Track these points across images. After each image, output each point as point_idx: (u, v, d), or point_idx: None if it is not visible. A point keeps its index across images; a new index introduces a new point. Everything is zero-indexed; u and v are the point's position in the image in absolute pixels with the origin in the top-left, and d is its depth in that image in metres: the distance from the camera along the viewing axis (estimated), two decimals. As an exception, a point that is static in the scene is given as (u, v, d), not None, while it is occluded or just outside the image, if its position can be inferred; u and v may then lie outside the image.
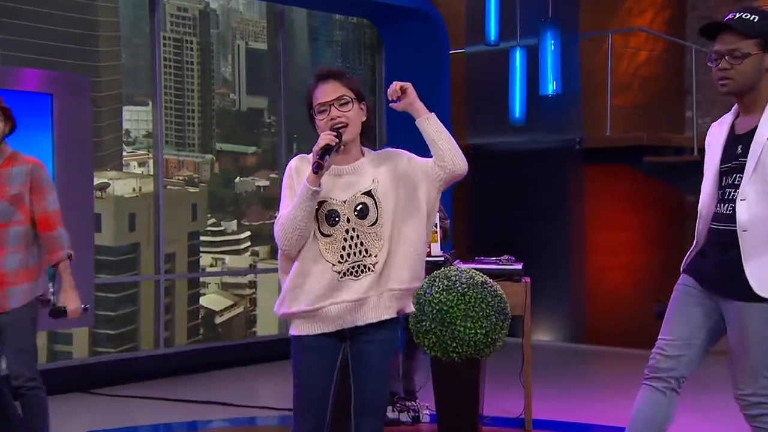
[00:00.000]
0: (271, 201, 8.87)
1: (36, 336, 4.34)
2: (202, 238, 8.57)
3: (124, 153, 8.03)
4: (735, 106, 3.46)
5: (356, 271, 3.17)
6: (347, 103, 3.23)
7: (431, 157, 3.25)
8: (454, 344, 4.99)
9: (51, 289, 4.46)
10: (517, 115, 9.28)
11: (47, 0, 7.42)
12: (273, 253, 8.81)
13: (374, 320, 3.19)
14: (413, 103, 3.23)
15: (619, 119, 9.52)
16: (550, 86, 9.04)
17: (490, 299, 5.03)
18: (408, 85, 3.23)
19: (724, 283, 3.36)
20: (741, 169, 3.31)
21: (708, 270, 3.42)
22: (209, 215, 8.68)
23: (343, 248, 3.17)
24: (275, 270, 9.41)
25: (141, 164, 8.11)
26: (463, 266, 5.40)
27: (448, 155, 3.21)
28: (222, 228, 8.74)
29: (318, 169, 3.08)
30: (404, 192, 3.23)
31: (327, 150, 3.11)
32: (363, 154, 3.31)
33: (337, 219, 3.19)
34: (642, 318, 8.16)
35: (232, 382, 7.63)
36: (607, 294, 9.46)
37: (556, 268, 9.28)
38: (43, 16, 7.36)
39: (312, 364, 3.23)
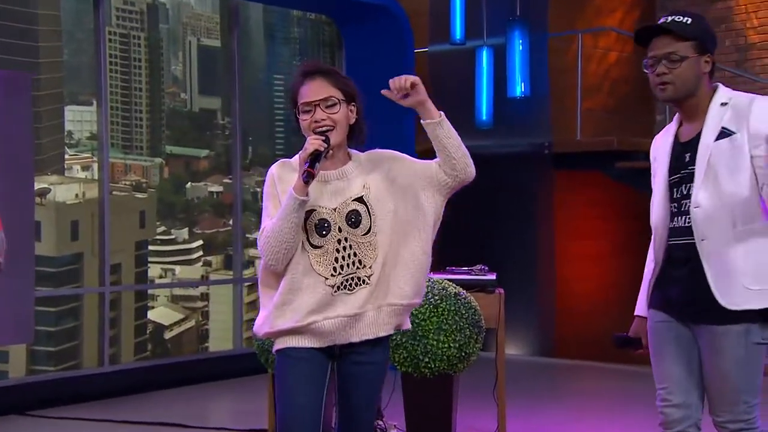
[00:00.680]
0: (224, 208, 8.81)
1: None
2: (150, 247, 8.45)
3: (66, 156, 7.87)
4: (677, 115, 3.44)
5: (350, 285, 3.02)
6: (334, 104, 3.06)
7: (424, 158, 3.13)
8: (426, 359, 4.96)
9: None
10: (484, 117, 9.21)
11: (-19, -9, 7.31)
12: (227, 263, 8.77)
13: (371, 336, 3.04)
14: (425, 102, 3.00)
15: (588, 123, 9.55)
16: (518, 88, 9.03)
17: (464, 311, 5.01)
18: (418, 80, 2.97)
19: (693, 307, 3.29)
20: (691, 178, 3.28)
21: (672, 297, 3.34)
22: (158, 223, 8.56)
23: (336, 260, 3.02)
24: (229, 281, 8.86)
25: (84, 168, 7.97)
26: (435, 276, 5.30)
27: (460, 164, 3.06)
28: (172, 236, 8.63)
29: (309, 178, 2.92)
30: (402, 198, 3.09)
31: (316, 157, 2.94)
32: (350, 158, 3.15)
33: (327, 229, 3.03)
34: (613, 331, 8.10)
35: (183, 402, 7.44)
36: (578, 305, 9.44)
37: (524, 277, 9.18)
38: (-23, 8, 7.25)
39: (303, 374, 3.00)
